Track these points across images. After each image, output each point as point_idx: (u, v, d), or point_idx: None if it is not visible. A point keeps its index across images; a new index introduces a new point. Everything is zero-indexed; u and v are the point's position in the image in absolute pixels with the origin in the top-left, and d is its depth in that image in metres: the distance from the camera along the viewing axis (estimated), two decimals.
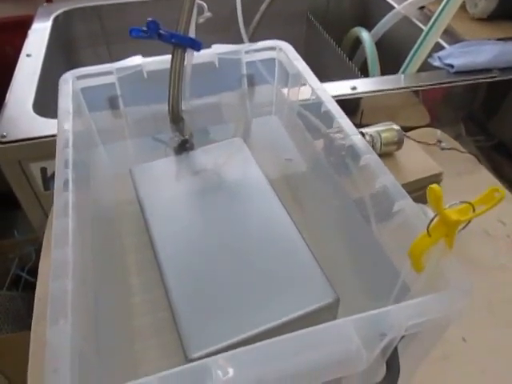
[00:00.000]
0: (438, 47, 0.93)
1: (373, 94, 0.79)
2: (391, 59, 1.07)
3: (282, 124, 0.66)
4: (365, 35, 1.13)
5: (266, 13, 0.78)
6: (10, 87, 0.79)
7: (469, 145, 0.87)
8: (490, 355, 0.52)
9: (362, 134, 0.65)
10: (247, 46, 0.60)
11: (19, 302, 1.03)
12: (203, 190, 0.52)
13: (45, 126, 0.69)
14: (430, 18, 0.88)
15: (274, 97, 0.66)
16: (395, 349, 0.33)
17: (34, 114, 0.73)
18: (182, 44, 0.53)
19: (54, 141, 0.46)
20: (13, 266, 1.09)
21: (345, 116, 0.47)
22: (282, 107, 0.65)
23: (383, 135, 0.66)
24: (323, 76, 0.59)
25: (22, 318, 0.99)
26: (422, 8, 1.09)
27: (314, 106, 0.53)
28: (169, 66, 0.54)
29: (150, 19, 0.52)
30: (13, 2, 1.20)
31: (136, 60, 0.56)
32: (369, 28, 1.14)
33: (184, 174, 0.54)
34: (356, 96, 0.78)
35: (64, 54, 1.05)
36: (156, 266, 0.47)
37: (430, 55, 0.90)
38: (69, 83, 0.53)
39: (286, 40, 0.62)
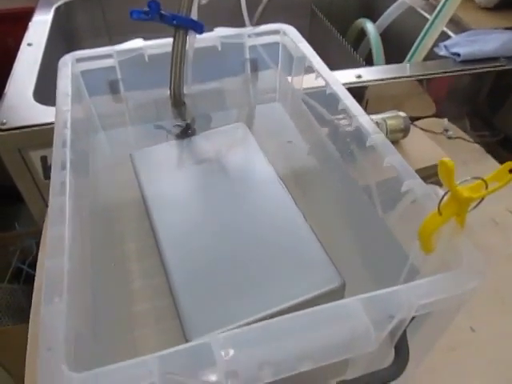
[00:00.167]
0: (444, 37, 0.92)
1: (378, 83, 0.77)
2: (396, 50, 1.05)
3: (285, 111, 0.64)
4: (369, 26, 1.11)
5: (270, 4, 0.76)
6: (10, 75, 0.78)
7: (474, 140, 0.86)
8: (499, 345, 0.51)
9: None
10: (250, 29, 0.58)
11: (20, 294, 1.02)
12: (205, 175, 0.51)
13: (45, 114, 0.68)
14: (435, 8, 0.87)
15: (277, 83, 0.64)
16: (404, 333, 0.32)
17: (35, 102, 0.72)
18: (183, 26, 0.51)
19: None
20: (14, 258, 1.08)
21: (351, 97, 0.46)
22: (286, 93, 0.64)
23: (389, 122, 0.65)
24: (328, 67, 0.58)
25: (23, 311, 0.98)
26: None
27: (319, 90, 0.51)
28: (170, 49, 0.52)
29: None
30: None
31: (137, 43, 0.55)
32: (373, 19, 1.13)
33: (186, 159, 0.53)
34: (361, 84, 0.77)
35: (65, 44, 1.04)
36: (157, 251, 0.46)
37: (435, 44, 0.89)
38: (68, 65, 0.51)
39: None
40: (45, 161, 0.71)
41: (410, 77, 0.80)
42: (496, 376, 0.49)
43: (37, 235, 0.63)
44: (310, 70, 0.55)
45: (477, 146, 0.76)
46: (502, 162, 0.32)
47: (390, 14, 1.08)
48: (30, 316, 0.51)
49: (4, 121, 0.67)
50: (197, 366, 0.25)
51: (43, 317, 0.27)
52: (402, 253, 0.38)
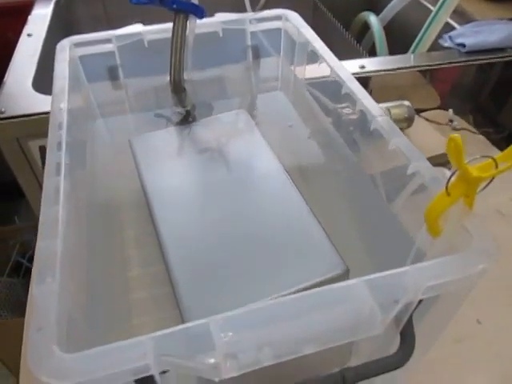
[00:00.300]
0: (448, 28, 0.90)
1: (382, 73, 0.76)
2: (400, 44, 1.03)
3: (288, 100, 0.63)
4: (373, 19, 1.10)
5: None
6: (9, 65, 0.77)
7: None
8: (505, 338, 0.50)
9: None
10: (252, 14, 0.57)
11: (19, 288, 1.01)
12: (205, 162, 0.50)
13: (44, 103, 0.67)
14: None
15: (279, 71, 0.63)
16: (410, 318, 0.31)
17: (34, 91, 0.71)
18: (184, 10, 0.50)
19: None
20: (13, 252, 1.08)
21: (355, 80, 0.45)
22: (288, 81, 0.62)
23: (393, 111, 0.63)
24: None
25: (22, 305, 0.97)
26: None
27: (323, 76, 0.50)
28: (170, 34, 0.51)
29: None
30: None
31: (136, 28, 0.54)
32: (377, 12, 1.11)
33: (186, 145, 0.51)
34: (365, 75, 0.76)
35: (65, 35, 1.03)
36: (156, 239, 0.45)
37: (440, 36, 0.87)
38: (66, 50, 0.50)
39: None
40: (43, 151, 0.69)
41: (414, 67, 0.78)
42: (502, 369, 0.48)
43: (36, 229, 0.62)
44: (312, 55, 0.54)
45: (482, 137, 0.75)
46: None
47: (393, 7, 1.07)
48: (27, 307, 0.50)
49: (2, 109, 0.66)
50: (194, 348, 0.24)
51: (35, 297, 0.26)
52: (408, 238, 0.37)
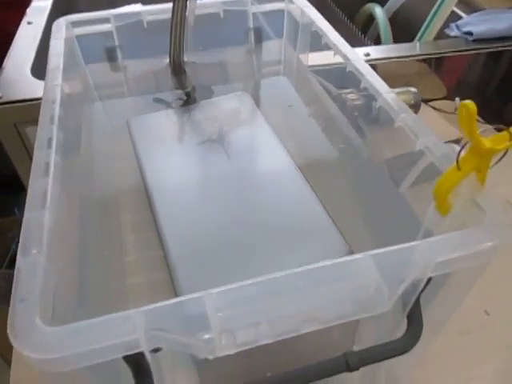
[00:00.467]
0: (455, 17, 0.88)
1: (387, 61, 0.74)
2: (405, 35, 1.02)
3: (291, 84, 0.61)
4: (378, 11, 1.08)
5: None
6: (9, 51, 0.76)
7: None
8: None
9: None
10: None
11: None
12: (205, 144, 0.48)
13: (42, 89, 0.66)
14: None
15: (282, 55, 0.61)
16: (418, 301, 0.29)
17: (32, 77, 0.70)
18: None
19: None
20: (12, 244, 1.06)
21: (361, 59, 0.43)
22: (292, 65, 0.61)
23: (399, 97, 0.61)
24: None
25: None
26: None
27: (327, 55, 0.49)
28: (170, 15, 0.50)
29: None
30: None
31: (135, 7, 0.53)
32: (382, 4, 1.10)
33: (185, 127, 0.50)
34: (370, 63, 0.74)
35: None
36: (153, 224, 0.43)
37: (446, 25, 0.86)
38: (62, 29, 0.49)
39: None
40: None
41: (419, 55, 0.77)
42: (510, 361, 0.46)
43: None
44: (317, 38, 0.52)
45: (489, 126, 0.73)
46: None
47: None
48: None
49: (0, 94, 0.65)
50: (187, 323, 0.22)
51: (19, 269, 0.24)
52: (416, 220, 0.35)
